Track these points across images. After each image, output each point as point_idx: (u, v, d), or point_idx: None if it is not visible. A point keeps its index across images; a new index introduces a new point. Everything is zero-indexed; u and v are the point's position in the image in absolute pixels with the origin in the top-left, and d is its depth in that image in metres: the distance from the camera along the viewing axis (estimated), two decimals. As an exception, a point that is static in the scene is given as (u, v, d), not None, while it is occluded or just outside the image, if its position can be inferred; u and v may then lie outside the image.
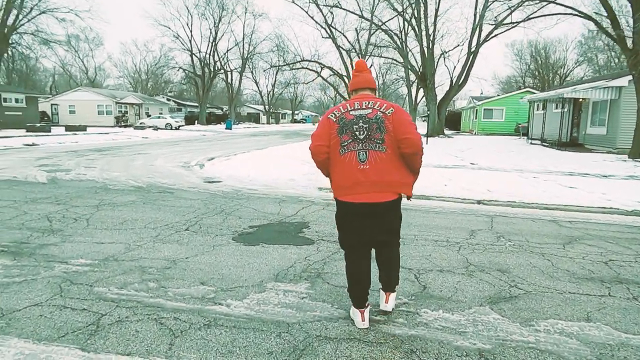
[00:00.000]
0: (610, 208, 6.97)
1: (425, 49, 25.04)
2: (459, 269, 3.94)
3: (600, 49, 46.51)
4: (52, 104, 44.00)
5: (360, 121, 2.65)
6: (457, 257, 4.28)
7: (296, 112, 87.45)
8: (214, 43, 49.12)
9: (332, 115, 2.74)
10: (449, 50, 27.09)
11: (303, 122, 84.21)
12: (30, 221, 5.29)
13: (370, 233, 2.77)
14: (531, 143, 21.82)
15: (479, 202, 7.57)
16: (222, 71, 52.23)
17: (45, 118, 41.08)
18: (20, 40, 26.98)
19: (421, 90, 55.25)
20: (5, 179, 8.43)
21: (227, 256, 4.15)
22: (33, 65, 64.09)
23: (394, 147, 2.63)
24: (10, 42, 25.70)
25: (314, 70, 41.85)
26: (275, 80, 66.07)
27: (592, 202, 7.38)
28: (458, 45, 26.70)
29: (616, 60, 46.04)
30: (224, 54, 51.86)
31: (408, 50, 29.72)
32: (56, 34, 47.67)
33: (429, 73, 25.22)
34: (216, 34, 48.86)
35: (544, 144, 20.43)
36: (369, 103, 2.70)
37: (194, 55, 49.17)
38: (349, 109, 2.71)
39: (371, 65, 44.83)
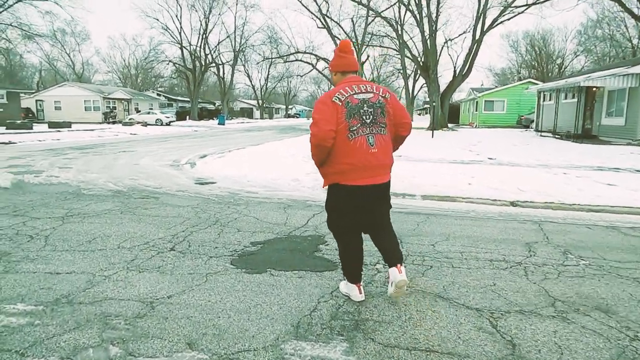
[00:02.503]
0: (674, 210, 5.97)
1: (428, 38, 23.87)
2: (544, 307, 2.88)
3: (601, 39, 45.69)
4: (37, 100, 42.36)
5: (365, 105, 2.66)
6: (531, 288, 3.22)
7: (290, 106, 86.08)
8: (204, 35, 47.59)
9: (336, 99, 2.65)
10: (454, 38, 25.88)
11: (297, 117, 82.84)
12: (-29, 241, 4.15)
13: (374, 214, 2.89)
14: (541, 135, 20.84)
15: (512, 203, 6.54)
16: (214, 64, 50.71)
17: (30, 115, 39.43)
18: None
19: (418, 82, 54.47)
20: (-38, 183, 7.25)
21: (224, 292, 3.06)
22: (18, 60, 62.11)
23: (391, 130, 2.80)
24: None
25: (308, 63, 40.66)
26: (268, 74, 64.74)
27: (646, 202, 6.38)
28: (465, 32, 25.48)
29: (614, 51, 45.30)
30: (215, 46, 50.34)
31: (408, 39, 28.57)
32: (37, 25, 45.86)
33: (432, 63, 24.08)
34: (207, 25, 47.32)
35: (555, 136, 19.46)
36: (367, 87, 2.73)
37: (184, 49, 47.61)
38: (352, 92, 2.68)
39: (367, 58, 43.68)
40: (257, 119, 67.82)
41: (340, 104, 2.65)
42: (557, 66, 52.71)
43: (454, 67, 26.21)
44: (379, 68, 61.06)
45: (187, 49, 47.79)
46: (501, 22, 22.17)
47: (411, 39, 30.20)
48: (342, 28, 37.02)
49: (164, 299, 2.92)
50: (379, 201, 2.87)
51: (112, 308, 2.77)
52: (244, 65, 59.36)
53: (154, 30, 79.53)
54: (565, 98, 20.11)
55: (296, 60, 41.10)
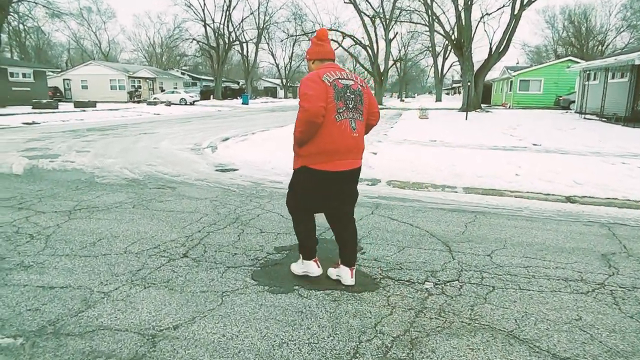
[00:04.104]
0: None
1: (462, 12, 22.39)
2: (657, 358, 2.20)
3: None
4: (64, 79, 42.75)
5: (348, 91, 2.72)
6: (630, 325, 2.53)
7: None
8: (228, 12, 46.69)
9: (325, 79, 2.65)
10: (492, 12, 24.07)
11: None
12: (-35, 241, 3.72)
13: (344, 199, 2.94)
14: (585, 118, 19.41)
15: (569, 199, 5.75)
16: (237, 42, 49.92)
17: (58, 94, 39.85)
18: (18, 8, 25.36)
19: (448, 60, 52.34)
20: (-26, 168, 6.93)
21: (243, 321, 2.49)
22: (47, 40, 62.88)
23: (365, 118, 2.87)
24: (11, 11, 24.09)
25: (334, 40, 39.36)
26: (292, 52, 63.64)
27: None
28: (503, 6, 23.66)
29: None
30: (239, 24, 49.41)
31: (440, 13, 27.02)
32: (62, 2, 45.96)
33: (466, 39, 22.64)
34: (230, 2, 46.37)
35: (602, 119, 18.05)
36: (347, 74, 2.79)
37: (207, 26, 46.90)
38: (336, 76, 2.70)
39: (394, 35, 42.02)
40: (281, 98, 67.07)
41: (329, 84, 2.66)
42: (598, 43, 49.56)
43: (490, 44, 24.64)
44: (407, 46, 59.05)
45: (210, 27, 47.12)
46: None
47: (444, 13, 28.62)
48: (369, 3, 35.60)
49: (169, 331, 2.38)
50: (352, 185, 2.94)
51: (104, 344, 2.24)
52: (268, 44, 58.48)
53: (178, 8, 79.08)
54: (613, 77, 18.58)
55: (321, 37, 39.84)
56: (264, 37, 52.74)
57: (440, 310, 2.65)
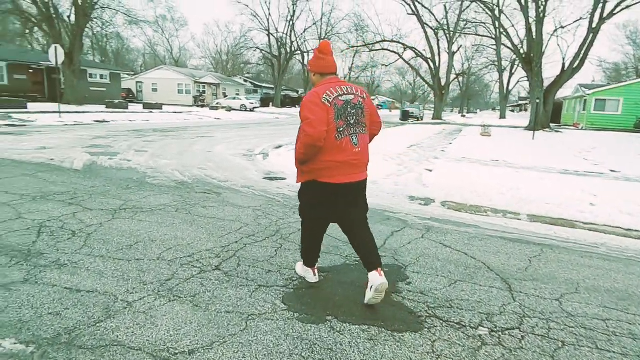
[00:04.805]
0: None
1: (534, 25, 21.10)
2: None
3: None
4: (137, 82, 45.63)
5: (349, 107, 2.75)
6: None
7: (372, 97, 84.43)
8: (291, 22, 47.72)
9: (325, 100, 2.69)
10: (566, 26, 22.39)
11: (379, 108, 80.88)
12: (11, 233, 3.78)
13: (353, 210, 2.94)
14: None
15: (655, 237, 4.97)
16: (299, 52, 50.80)
17: (131, 95, 42.58)
18: (102, 14, 27.33)
19: (514, 76, 49.86)
20: (40, 161, 7.30)
21: (264, 354, 2.23)
22: (126, 45, 67.75)
23: (368, 129, 2.92)
24: (92, 17, 26.02)
25: (394, 52, 38.90)
26: (352, 63, 63.69)
27: None
28: (580, 19, 22.03)
29: None
30: (301, 33, 50.29)
31: (508, 27, 25.72)
32: (137, 10, 49.19)
33: (537, 53, 21.27)
34: (294, 12, 47.36)
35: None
36: (348, 88, 2.80)
37: (271, 35, 48.21)
38: (336, 94, 2.73)
39: (458, 49, 40.73)
40: (338, 108, 67.10)
41: (329, 105, 2.69)
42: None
43: (563, 60, 22.95)
44: (470, 60, 57.12)
45: (274, 36, 48.37)
46: (627, 7, 18.78)
47: (513, 26, 27.22)
48: (433, 15, 34.74)
49: (184, 356, 2.16)
50: (358, 196, 2.95)
51: (114, 363, 2.07)
52: (329, 54, 58.82)
53: (244, 17, 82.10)
54: None
55: (382, 49, 39.48)
56: (326, 47, 53.16)
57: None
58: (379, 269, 2.75)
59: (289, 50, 48.76)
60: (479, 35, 32.43)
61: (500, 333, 2.56)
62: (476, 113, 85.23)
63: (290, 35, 48.50)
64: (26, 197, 5.00)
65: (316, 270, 3.18)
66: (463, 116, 58.87)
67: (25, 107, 19.90)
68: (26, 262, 3.21)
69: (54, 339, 2.24)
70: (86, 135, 12.05)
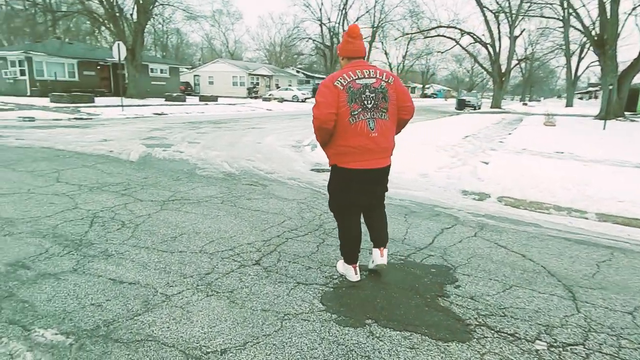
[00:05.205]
0: None
1: (608, 3, 19.25)
2: None
3: None
4: (194, 75, 47.31)
5: (367, 90, 2.70)
6: None
7: (427, 85, 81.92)
8: (344, 11, 47.20)
9: (338, 83, 2.68)
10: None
11: (434, 97, 78.44)
12: (67, 222, 3.97)
13: (369, 197, 2.96)
14: None
15: None
16: (351, 41, 50.19)
17: (189, 88, 44.26)
18: (163, 11, 28.44)
19: (583, 60, 46.15)
20: (100, 153, 7.68)
21: (298, 356, 2.12)
22: (185, 40, 70.49)
23: (394, 114, 2.82)
24: (153, 14, 27.13)
25: (451, 38, 37.39)
26: (406, 51, 62.24)
27: None
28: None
29: None
30: (354, 22, 49.64)
31: (578, 6, 23.71)
32: (194, 5, 50.82)
33: (611, 35, 19.40)
34: (347, 1, 46.78)
35: None
36: (370, 72, 2.75)
37: (323, 25, 48.01)
38: (354, 77, 2.71)
39: (521, 32, 38.33)
40: (391, 98, 65.84)
41: (342, 88, 2.68)
42: None
43: (642, 41, 20.84)
44: (534, 44, 53.59)
45: (326, 26, 48.14)
46: None
47: (584, 5, 25.09)
48: (494, -3, 32.83)
49: (215, 355, 2.11)
50: (376, 184, 2.94)
51: (146, 359, 2.05)
52: (382, 42, 57.89)
53: (297, 8, 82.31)
54: None
55: (437, 35, 38.07)
56: (378, 35, 52.28)
57: None
58: (382, 249, 3.00)
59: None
60: (544, 17, 30.24)
61: (560, 349, 2.28)
62: (539, 101, 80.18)
63: (343, 24, 48.04)
64: (84, 187, 5.25)
65: (357, 268, 3.03)
66: (524, 104, 55.58)
67: (93, 102, 21.23)
68: (77, 251, 3.33)
69: (92, 331, 2.27)
70: (144, 127, 12.60)
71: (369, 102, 2.70)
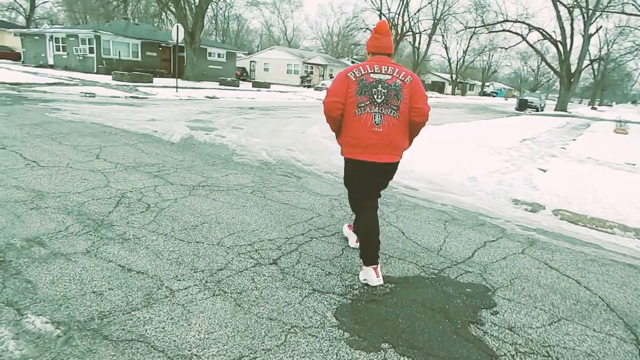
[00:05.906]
0: None
1: None
2: None
3: None
4: (250, 61, 48.01)
5: (380, 85, 2.69)
6: None
7: (487, 83, 78.31)
8: (405, 1, 45.81)
9: (351, 74, 2.72)
10: None
11: (493, 96, 74.87)
12: (95, 201, 3.93)
13: (375, 189, 3.01)
14: None
15: None
16: (410, 33, 48.81)
17: (244, 74, 44.99)
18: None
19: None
20: (144, 132, 7.78)
21: (296, 382, 1.86)
22: (245, 27, 71.72)
23: (405, 114, 2.75)
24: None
25: (517, 34, 35.25)
26: (468, 46, 59.75)
27: None
28: None
29: None
30: (415, 14, 48.22)
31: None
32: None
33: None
34: (409, -9, 45.36)
35: None
36: (388, 69, 2.74)
37: (382, 15, 46.88)
38: (369, 71, 2.72)
39: (597, 30, 35.35)
40: (447, 94, 63.70)
41: (354, 79, 2.71)
42: None
43: None
44: (611, 43, 49.42)
45: (385, 16, 46.95)
46: None
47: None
48: (569, -9, 30.41)
49: (205, 369, 1.89)
50: (380, 179, 2.95)
51: (130, 365, 1.88)
52: (443, 36, 55.87)
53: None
54: None
55: (503, 30, 36.01)
56: (440, 28, 50.40)
57: None
58: (375, 268, 2.82)
59: (399, 31, 47.07)
60: (625, 13, 27.59)
61: (617, 411, 1.86)
62: (611, 106, 74.36)
63: (403, 15, 46.73)
64: (120, 166, 5.26)
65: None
66: (594, 109, 51.70)
67: (152, 82, 21.99)
68: (95, 232, 3.26)
69: (84, 323, 2.13)
70: (193, 110, 12.78)
71: (379, 96, 2.68)
